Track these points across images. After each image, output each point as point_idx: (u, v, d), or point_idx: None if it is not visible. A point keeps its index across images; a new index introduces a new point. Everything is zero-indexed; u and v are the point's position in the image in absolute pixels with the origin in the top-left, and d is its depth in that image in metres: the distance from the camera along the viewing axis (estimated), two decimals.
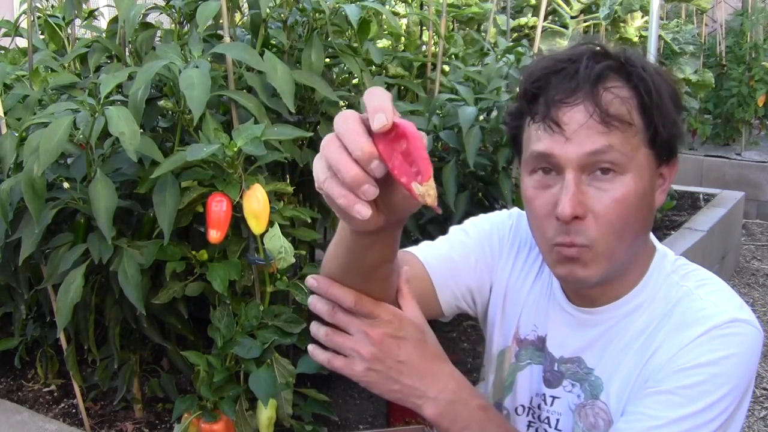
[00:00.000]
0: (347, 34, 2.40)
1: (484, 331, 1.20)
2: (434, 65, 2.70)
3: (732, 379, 0.90)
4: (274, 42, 2.25)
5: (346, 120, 0.67)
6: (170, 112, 2.12)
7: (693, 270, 1.02)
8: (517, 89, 1.02)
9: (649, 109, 0.93)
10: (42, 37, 2.54)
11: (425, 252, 1.11)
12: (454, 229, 1.17)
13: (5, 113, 2.07)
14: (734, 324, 0.92)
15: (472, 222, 1.18)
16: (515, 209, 1.20)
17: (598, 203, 0.92)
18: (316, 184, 0.69)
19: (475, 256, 1.13)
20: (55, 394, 2.48)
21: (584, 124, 0.91)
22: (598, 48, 0.97)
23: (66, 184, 1.95)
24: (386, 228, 0.75)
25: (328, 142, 0.67)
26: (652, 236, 1.06)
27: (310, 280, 0.87)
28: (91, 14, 2.48)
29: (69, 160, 2.01)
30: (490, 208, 2.56)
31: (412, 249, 1.12)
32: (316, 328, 0.90)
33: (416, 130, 0.67)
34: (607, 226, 0.92)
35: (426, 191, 0.66)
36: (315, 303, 0.89)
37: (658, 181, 0.99)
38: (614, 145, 0.91)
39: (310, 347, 0.91)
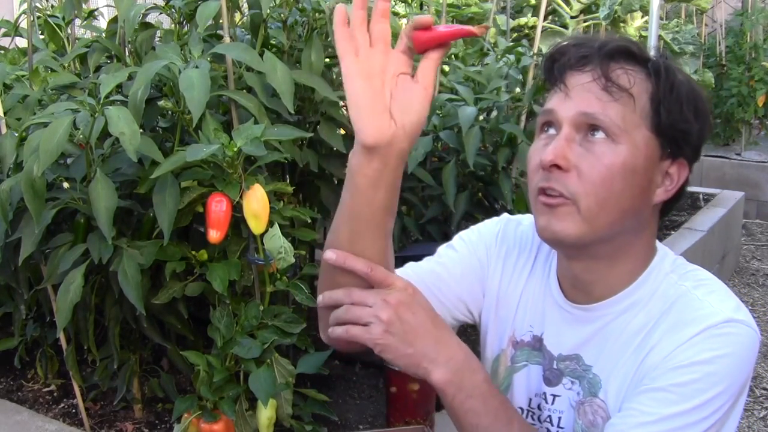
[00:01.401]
0: None
1: (480, 336, 1.21)
2: None
3: (726, 378, 0.91)
4: (274, 42, 2.25)
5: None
6: (170, 112, 2.12)
7: (692, 270, 1.03)
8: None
9: (657, 95, 0.96)
10: (42, 37, 2.54)
11: (408, 270, 1.14)
12: (441, 247, 1.20)
13: (5, 113, 2.07)
14: (730, 324, 0.93)
15: (460, 236, 1.20)
16: (505, 215, 1.22)
17: (584, 162, 0.95)
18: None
19: (461, 268, 1.15)
20: (55, 394, 2.48)
21: (586, 84, 0.96)
22: (624, 41, 1.01)
23: (66, 184, 1.95)
24: (392, 153, 0.86)
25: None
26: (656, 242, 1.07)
27: (329, 254, 0.93)
28: (91, 14, 2.48)
29: (69, 160, 2.01)
30: (490, 208, 2.56)
31: (396, 271, 1.15)
32: (335, 310, 0.95)
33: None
34: (590, 185, 0.94)
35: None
36: (330, 294, 0.96)
37: (664, 179, 1.00)
38: (613, 111, 0.94)
39: (330, 328, 0.96)
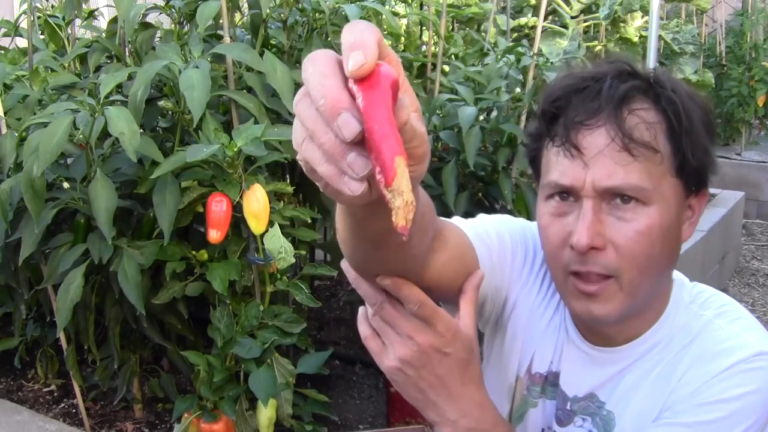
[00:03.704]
0: None
1: (490, 343, 1.10)
2: (434, 65, 2.70)
3: (754, 414, 0.87)
4: (274, 42, 2.25)
5: (314, 61, 0.52)
6: (170, 112, 2.12)
7: (711, 296, 0.97)
8: (537, 108, 0.95)
9: (678, 134, 0.86)
10: (42, 37, 2.54)
11: (478, 239, 0.95)
12: (486, 225, 1.00)
13: (5, 113, 2.07)
14: (760, 358, 0.87)
15: (503, 224, 1.02)
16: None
17: (618, 234, 0.85)
18: (293, 145, 0.55)
19: (511, 256, 1.02)
20: (55, 394, 2.48)
21: (605, 149, 0.85)
22: (625, 66, 0.90)
23: (66, 184, 1.95)
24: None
25: (300, 98, 0.54)
26: None
27: (386, 281, 0.77)
28: (91, 14, 2.48)
29: (69, 160, 2.01)
30: (490, 208, 2.56)
31: (462, 224, 0.96)
32: (368, 303, 0.82)
33: (403, 89, 0.52)
34: (630, 259, 0.86)
35: (392, 197, 0.48)
36: (358, 284, 0.80)
37: (687, 213, 0.92)
38: (637, 174, 0.85)
39: (361, 310, 0.84)
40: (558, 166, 0.88)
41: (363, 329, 0.83)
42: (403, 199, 0.48)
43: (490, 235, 0.97)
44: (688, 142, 0.86)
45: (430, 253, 0.79)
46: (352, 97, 0.49)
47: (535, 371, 1.04)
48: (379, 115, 0.48)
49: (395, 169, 0.48)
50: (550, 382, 1.02)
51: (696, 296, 0.97)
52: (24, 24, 2.36)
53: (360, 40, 0.50)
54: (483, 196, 2.55)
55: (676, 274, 0.99)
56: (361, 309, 0.84)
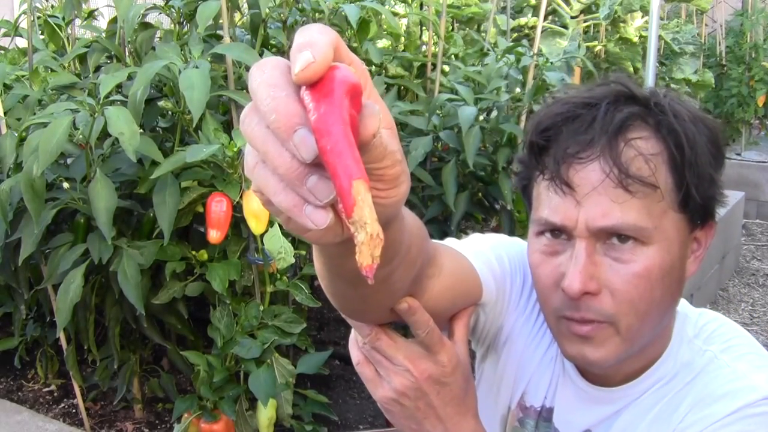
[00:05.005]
0: (347, 34, 2.41)
1: (480, 365, 1.06)
2: (434, 65, 2.70)
3: None
4: (273, 42, 2.25)
5: (262, 69, 0.46)
6: (170, 112, 2.12)
7: (717, 328, 0.90)
8: (525, 138, 0.87)
9: (680, 167, 0.79)
10: (42, 37, 2.55)
11: (480, 263, 0.90)
12: (492, 244, 0.95)
13: (5, 113, 2.07)
14: (767, 402, 0.80)
15: (502, 249, 0.95)
16: None
17: (614, 277, 0.79)
18: (245, 171, 0.47)
19: (510, 282, 0.97)
20: (55, 394, 2.48)
21: (599, 186, 0.78)
22: (622, 90, 0.82)
23: (66, 184, 1.95)
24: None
25: (247, 114, 0.47)
26: None
27: (402, 305, 0.71)
28: (91, 14, 2.48)
29: (69, 160, 2.01)
30: (490, 208, 2.56)
31: (461, 248, 0.89)
32: (360, 334, 0.79)
33: (366, 107, 0.43)
34: (627, 304, 0.79)
35: (355, 230, 0.40)
36: (352, 321, 0.78)
37: (692, 246, 0.85)
38: (635, 212, 0.78)
39: (352, 333, 0.80)
40: (548, 202, 0.81)
41: (355, 354, 0.80)
42: (367, 232, 0.40)
43: (491, 260, 0.91)
44: (693, 175, 0.79)
45: (425, 280, 0.72)
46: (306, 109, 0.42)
47: (530, 404, 0.99)
48: (333, 129, 0.40)
49: (354, 197, 0.40)
50: (543, 417, 0.97)
51: (701, 329, 0.90)
52: (24, 24, 2.36)
53: (309, 40, 0.44)
54: (483, 196, 2.55)
55: (680, 305, 0.92)
56: (352, 333, 0.81)
